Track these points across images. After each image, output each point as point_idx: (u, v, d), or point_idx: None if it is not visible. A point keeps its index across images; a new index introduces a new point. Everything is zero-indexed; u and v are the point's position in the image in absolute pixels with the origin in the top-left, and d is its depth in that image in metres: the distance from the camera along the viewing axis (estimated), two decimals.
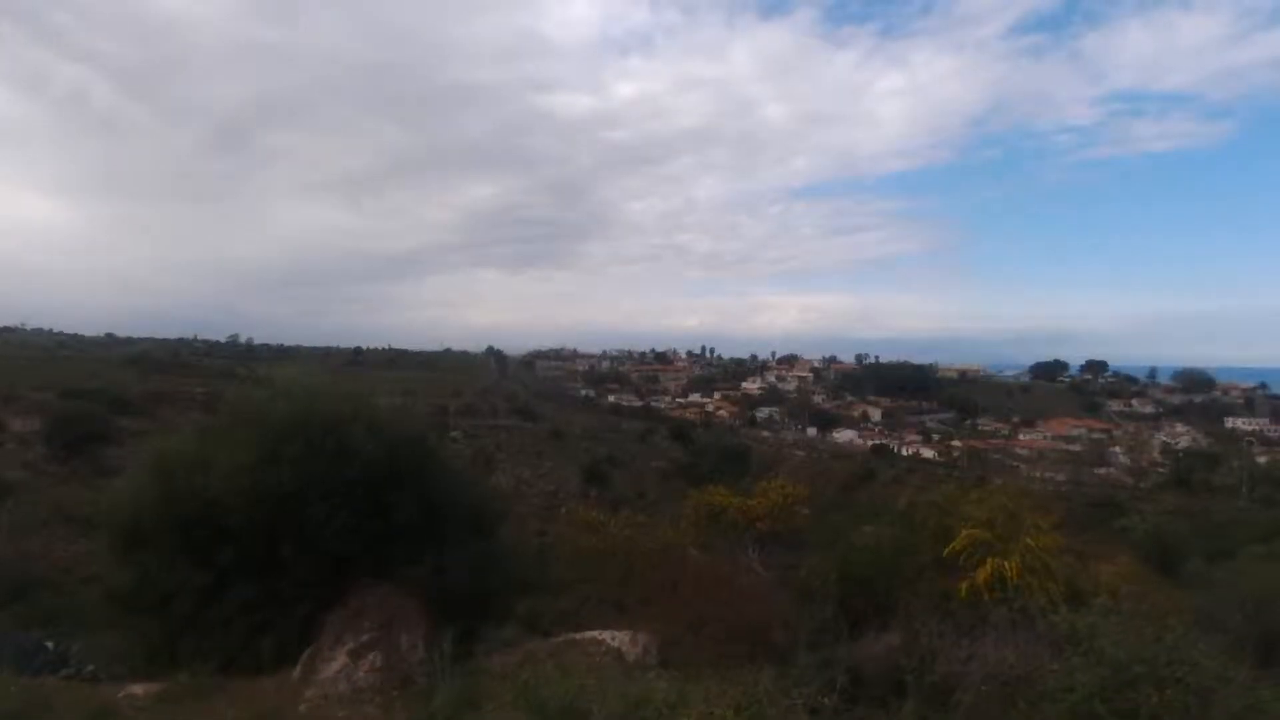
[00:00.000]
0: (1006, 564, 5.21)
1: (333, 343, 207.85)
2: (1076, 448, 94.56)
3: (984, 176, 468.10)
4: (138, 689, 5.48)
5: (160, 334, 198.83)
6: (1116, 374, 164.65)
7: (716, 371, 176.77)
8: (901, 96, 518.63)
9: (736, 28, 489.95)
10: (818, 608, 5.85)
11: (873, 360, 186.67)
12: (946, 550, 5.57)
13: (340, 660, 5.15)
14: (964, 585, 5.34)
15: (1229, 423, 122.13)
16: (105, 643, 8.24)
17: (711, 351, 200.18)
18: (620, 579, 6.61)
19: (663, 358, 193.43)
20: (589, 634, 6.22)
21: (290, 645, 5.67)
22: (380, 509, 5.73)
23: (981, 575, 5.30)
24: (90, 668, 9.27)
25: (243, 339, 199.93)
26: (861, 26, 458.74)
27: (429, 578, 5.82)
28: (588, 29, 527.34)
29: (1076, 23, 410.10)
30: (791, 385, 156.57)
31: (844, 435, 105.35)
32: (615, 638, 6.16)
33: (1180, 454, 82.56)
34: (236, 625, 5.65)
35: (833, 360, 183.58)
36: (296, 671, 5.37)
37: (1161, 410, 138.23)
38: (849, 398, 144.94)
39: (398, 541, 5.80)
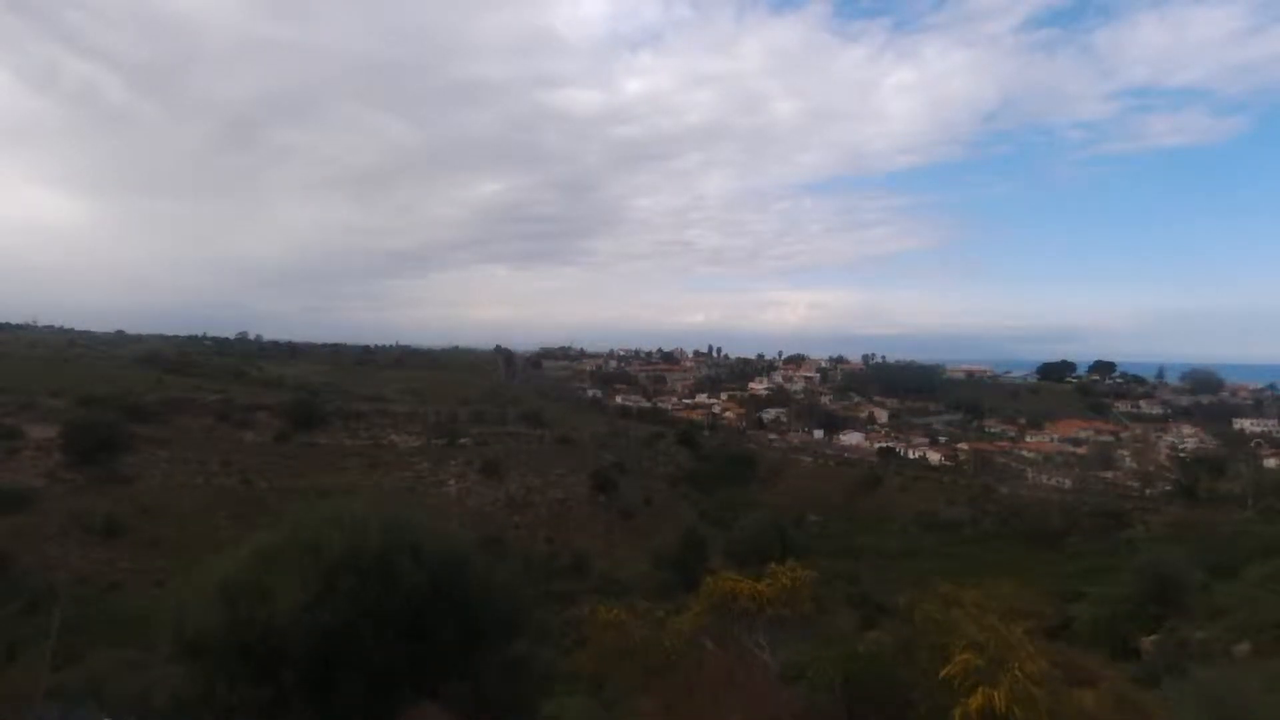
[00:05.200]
0: (996, 694, 5.72)
1: (341, 339, 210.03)
2: (1083, 450, 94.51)
3: (994, 172, 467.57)
4: None
5: (170, 330, 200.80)
6: (1124, 375, 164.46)
7: (723, 372, 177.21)
8: (912, 92, 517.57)
9: (747, 23, 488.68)
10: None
11: (879, 360, 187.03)
12: (942, 673, 6.08)
13: None
14: (958, 713, 5.85)
15: (1237, 424, 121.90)
16: None
17: (718, 351, 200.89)
18: (641, 679, 7.11)
19: (669, 358, 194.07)
20: None
21: None
22: (424, 631, 6.29)
23: (973, 703, 5.80)
24: None
25: (251, 335, 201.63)
26: (873, 21, 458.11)
27: (468, 691, 6.40)
28: (598, 26, 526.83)
29: (1089, 17, 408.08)
30: (798, 386, 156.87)
31: (851, 438, 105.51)
32: None
33: (1187, 459, 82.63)
34: None
35: (839, 360, 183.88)
36: None
37: (1169, 412, 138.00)
38: (855, 398, 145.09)
39: (439, 657, 6.35)
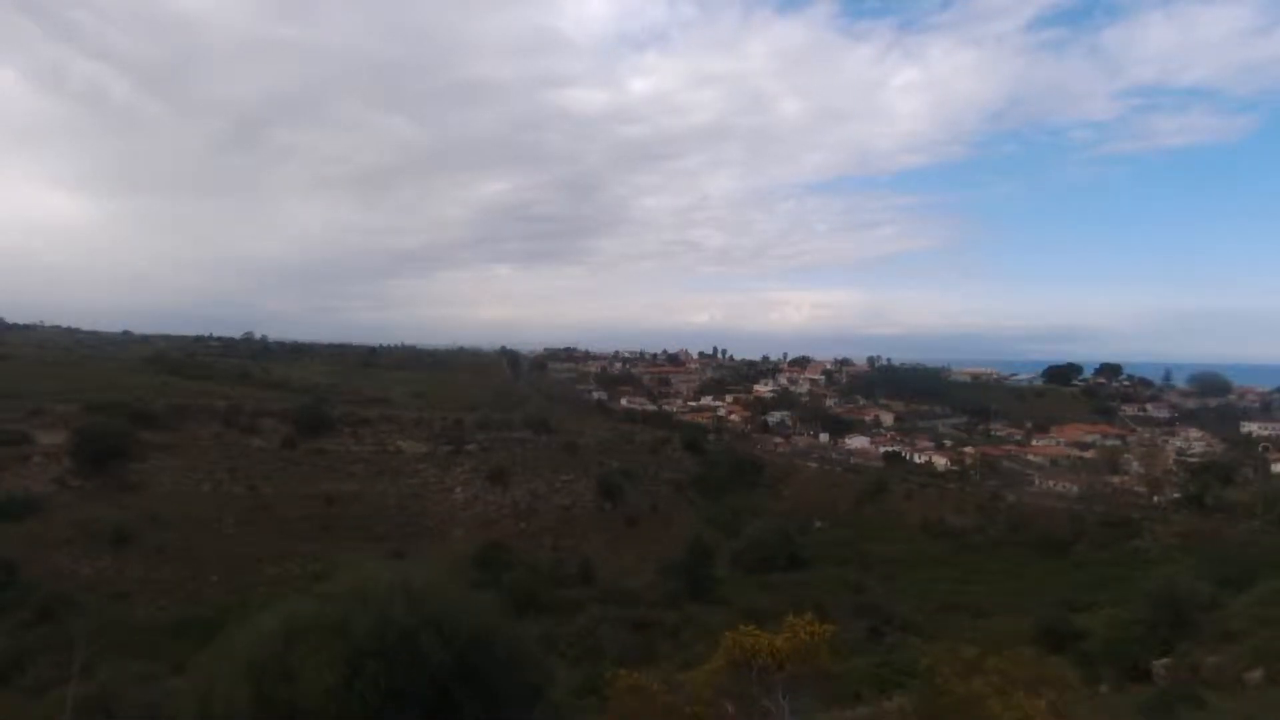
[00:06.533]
0: None
1: (346, 339, 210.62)
2: (1090, 454, 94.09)
3: (1000, 172, 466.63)
4: None
5: (176, 330, 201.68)
6: (1131, 377, 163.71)
7: (728, 373, 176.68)
8: (918, 92, 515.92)
9: (752, 23, 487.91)
10: None
11: (885, 362, 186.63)
12: None
13: None
14: None
15: (1245, 427, 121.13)
16: None
17: (723, 353, 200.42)
18: None
19: (674, 359, 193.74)
20: None
21: None
22: (448, 707, 6.28)
23: None
24: None
25: (257, 335, 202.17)
26: (879, 21, 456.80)
27: None
28: (603, 25, 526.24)
29: (1097, 16, 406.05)
30: (803, 388, 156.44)
31: (856, 441, 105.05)
32: None
33: (1195, 464, 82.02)
34: None
35: (845, 362, 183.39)
36: None
37: (1176, 415, 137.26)
38: (861, 401, 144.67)
39: None
